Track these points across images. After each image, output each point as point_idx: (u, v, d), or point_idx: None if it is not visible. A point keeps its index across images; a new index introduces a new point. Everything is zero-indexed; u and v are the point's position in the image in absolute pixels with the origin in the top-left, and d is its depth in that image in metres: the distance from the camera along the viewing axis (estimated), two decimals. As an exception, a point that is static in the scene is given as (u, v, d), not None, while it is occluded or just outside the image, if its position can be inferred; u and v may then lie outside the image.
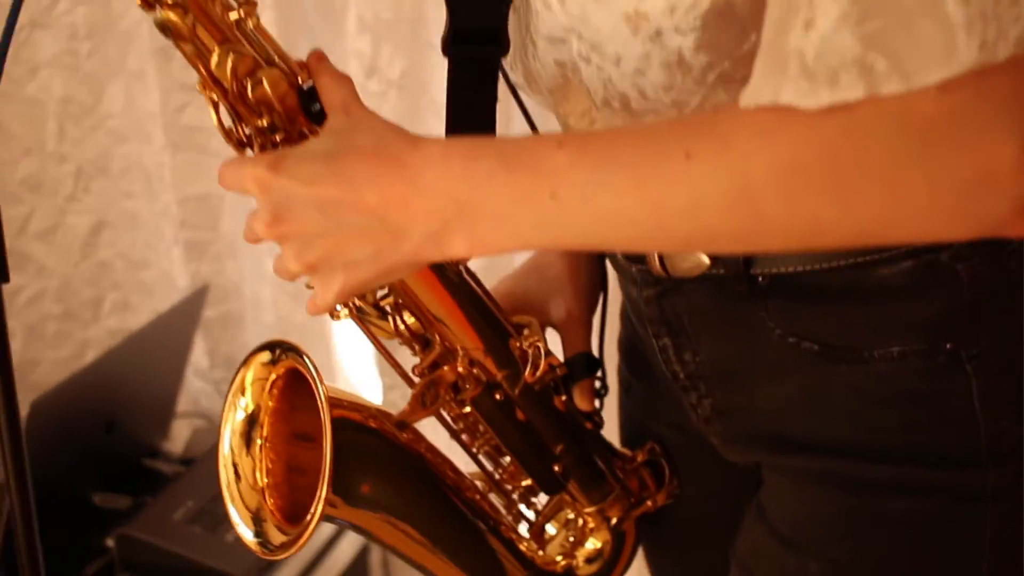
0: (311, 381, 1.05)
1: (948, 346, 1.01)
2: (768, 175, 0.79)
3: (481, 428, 1.19)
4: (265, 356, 1.11)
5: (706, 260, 1.07)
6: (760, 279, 1.05)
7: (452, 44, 1.06)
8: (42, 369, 2.62)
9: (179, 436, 2.61)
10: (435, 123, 2.36)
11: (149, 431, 2.51)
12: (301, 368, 1.08)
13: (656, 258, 1.10)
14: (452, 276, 1.10)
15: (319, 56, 0.99)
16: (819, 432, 1.09)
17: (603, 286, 1.32)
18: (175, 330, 2.51)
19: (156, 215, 2.65)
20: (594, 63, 0.97)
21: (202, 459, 2.39)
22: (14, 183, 2.57)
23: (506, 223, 0.88)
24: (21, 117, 2.56)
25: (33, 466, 1.18)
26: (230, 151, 2.50)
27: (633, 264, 1.14)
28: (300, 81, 0.98)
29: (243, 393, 1.11)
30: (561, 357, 1.23)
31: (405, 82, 2.41)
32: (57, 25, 2.50)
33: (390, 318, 1.11)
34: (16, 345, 2.56)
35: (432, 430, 1.17)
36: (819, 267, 1.02)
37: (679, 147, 0.81)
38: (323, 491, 1.02)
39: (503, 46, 1.05)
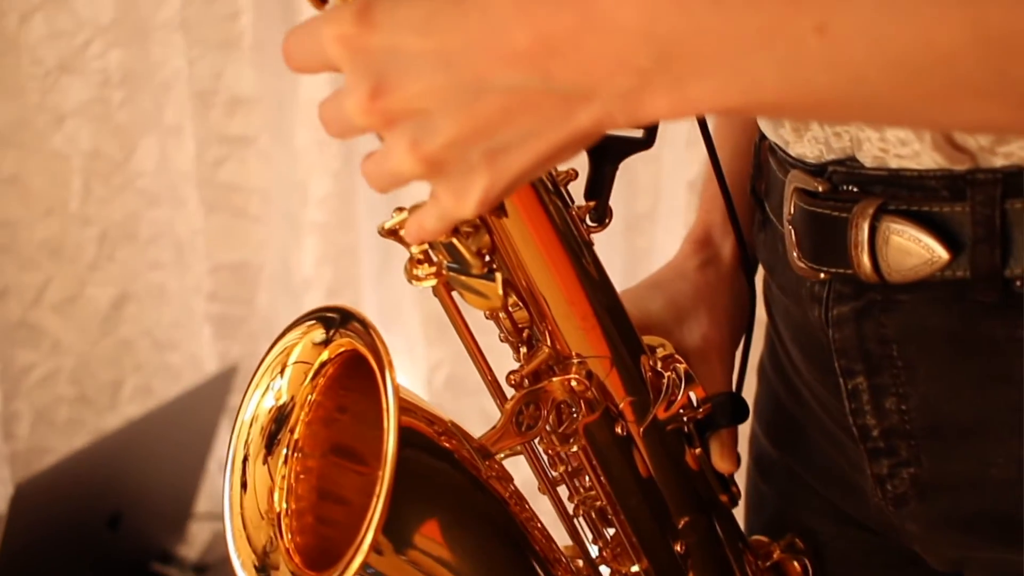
0: (377, 371, 0.79)
1: None
2: None
3: (586, 478, 0.93)
4: (319, 333, 0.86)
5: (943, 254, 0.79)
6: (1018, 284, 0.78)
7: None
8: (51, 459, 2.45)
9: (196, 539, 2.41)
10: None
11: (161, 531, 2.31)
12: (365, 352, 0.82)
13: (866, 254, 0.82)
14: (584, 256, 0.85)
15: None
16: None
17: (752, 308, 1.08)
18: (198, 415, 2.34)
19: (186, 290, 2.51)
20: None
21: (221, 568, 2.20)
22: (32, 246, 2.49)
23: (738, 71, 0.62)
24: (43, 172, 2.47)
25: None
26: (276, 213, 2.35)
27: (821, 267, 0.87)
28: None
29: (281, 373, 0.86)
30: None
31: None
32: (88, 70, 2.38)
33: (498, 277, 0.83)
34: (23, 429, 2.51)
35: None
36: None
37: None
38: (373, 526, 0.76)
39: None
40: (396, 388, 0.78)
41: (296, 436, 0.87)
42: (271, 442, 0.87)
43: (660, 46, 0.62)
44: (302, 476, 0.87)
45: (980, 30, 0.58)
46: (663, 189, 2.18)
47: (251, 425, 0.87)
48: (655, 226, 2.20)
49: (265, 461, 0.87)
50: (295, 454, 0.87)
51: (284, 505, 0.87)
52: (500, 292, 0.81)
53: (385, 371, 0.78)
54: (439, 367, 2.36)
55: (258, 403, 0.87)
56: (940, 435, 0.86)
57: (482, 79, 0.64)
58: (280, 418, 0.87)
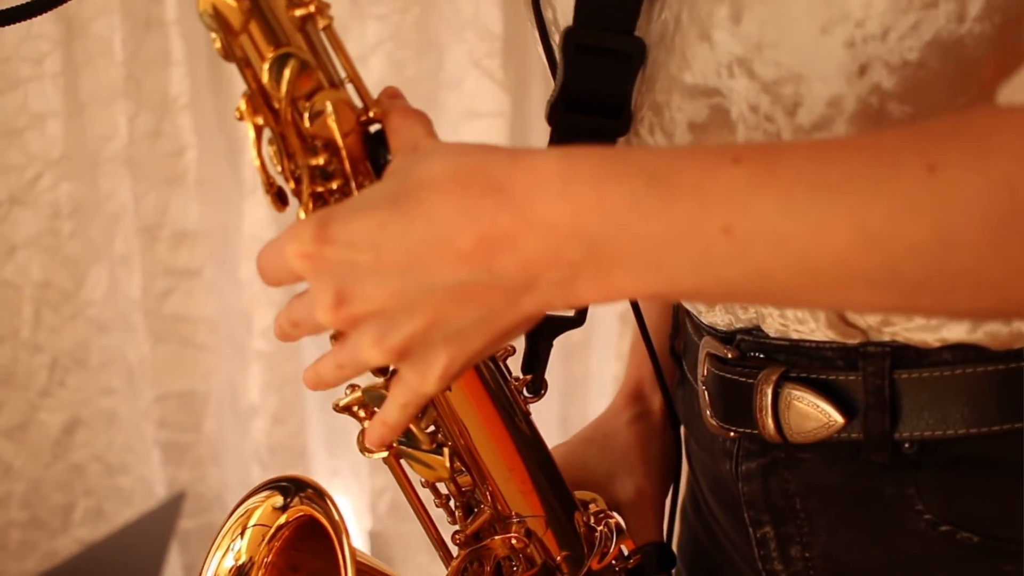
0: (334, 537, 0.82)
1: None
2: None
3: None
4: (277, 500, 0.88)
5: (839, 419, 0.84)
6: (907, 446, 0.83)
7: (561, 111, 0.85)
8: (2, 584, 2.45)
9: (148, 662, 2.36)
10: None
11: (114, 654, 2.27)
12: (321, 519, 0.85)
13: (770, 417, 0.87)
14: (522, 425, 0.88)
15: (392, 92, 0.77)
16: None
17: (679, 462, 1.10)
18: (146, 542, 2.32)
19: (136, 414, 2.50)
20: (762, 112, 0.76)
21: None
22: (-17, 374, 2.45)
23: (656, 265, 0.65)
24: (-6, 301, 2.45)
25: None
26: (222, 343, 2.36)
27: (731, 428, 0.91)
28: (370, 116, 0.75)
29: (242, 535, 0.88)
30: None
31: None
32: (38, 203, 2.40)
33: (446, 452, 0.86)
34: (-27, 554, 2.44)
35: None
36: (988, 430, 0.81)
37: (918, 157, 0.60)
38: None
39: (623, 122, 0.84)
40: (353, 553, 0.81)
41: None
42: None
43: (587, 243, 0.64)
44: None
45: (865, 231, 0.61)
46: (596, 321, 2.25)
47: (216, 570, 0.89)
48: (590, 354, 2.25)
49: None
50: None
51: None
52: (447, 464, 0.84)
53: (342, 537, 0.81)
54: (383, 493, 2.37)
55: (219, 563, 0.89)
56: None
57: (433, 280, 0.67)
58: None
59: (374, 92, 1.88)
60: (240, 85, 2.02)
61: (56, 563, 2.29)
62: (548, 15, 0.89)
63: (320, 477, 2.34)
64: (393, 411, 0.76)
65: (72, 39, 2.31)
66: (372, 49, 2.19)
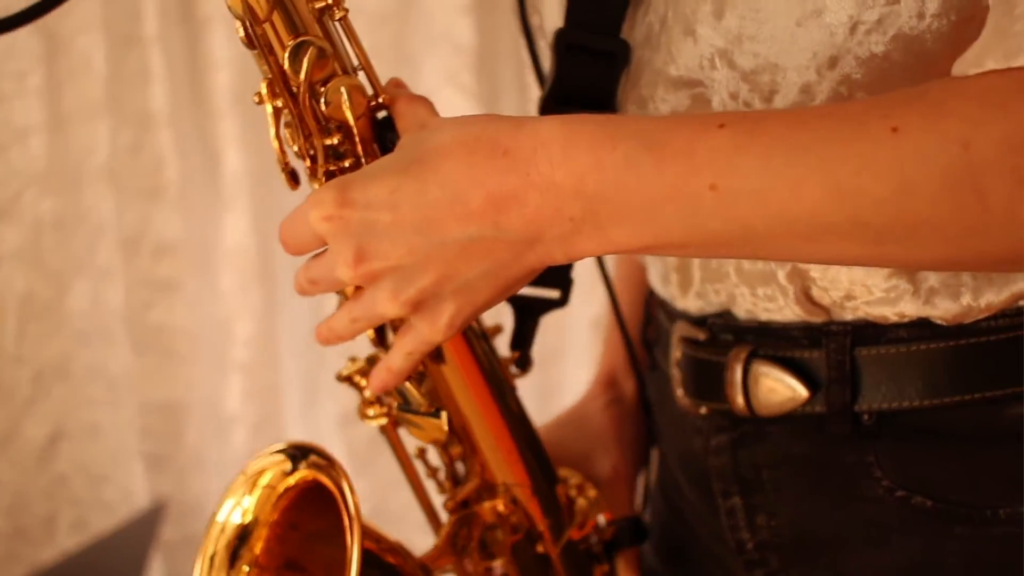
0: (340, 500, 0.87)
1: None
2: (997, 151, 0.65)
3: None
4: (287, 465, 0.92)
5: (803, 392, 0.90)
6: (866, 417, 0.89)
7: (552, 105, 0.92)
8: (-14, 593, 2.44)
9: (132, 670, 2.36)
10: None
11: (98, 662, 2.28)
12: (326, 481, 0.90)
13: (739, 393, 0.93)
14: (509, 398, 0.94)
15: (397, 82, 0.85)
16: None
17: (649, 442, 1.16)
18: (125, 553, 2.32)
19: (119, 425, 2.50)
20: (741, 99, 0.82)
21: None
22: (-34, 387, 2.45)
23: (649, 219, 0.72)
24: (-23, 315, 2.45)
25: None
26: (203, 353, 2.38)
27: (702, 403, 0.97)
28: (379, 101, 0.83)
29: (251, 491, 0.92)
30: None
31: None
32: (22, 217, 2.41)
33: (443, 415, 0.91)
34: (-42, 566, 2.42)
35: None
36: (940, 402, 0.87)
37: (882, 121, 0.67)
38: None
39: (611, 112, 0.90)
40: (358, 513, 0.86)
41: (256, 552, 0.93)
42: (233, 558, 0.93)
43: (587, 200, 0.72)
44: None
45: (835, 186, 0.68)
46: (571, 329, 2.28)
47: (221, 531, 0.93)
48: (565, 360, 2.30)
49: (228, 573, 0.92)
50: (254, 568, 0.93)
51: None
52: (444, 427, 0.89)
53: (348, 501, 0.86)
54: (365, 500, 2.37)
55: (229, 512, 0.93)
56: (805, 547, 0.95)
57: (445, 236, 0.73)
58: (244, 535, 0.92)
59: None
60: (218, 100, 2.07)
61: (40, 573, 2.29)
62: (535, 21, 0.96)
63: (300, 484, 2.38)
64: (398, 358, 0.82)
65: (55, 55, 2.33)
66: (349, 64, 2.24)
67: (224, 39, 2.28)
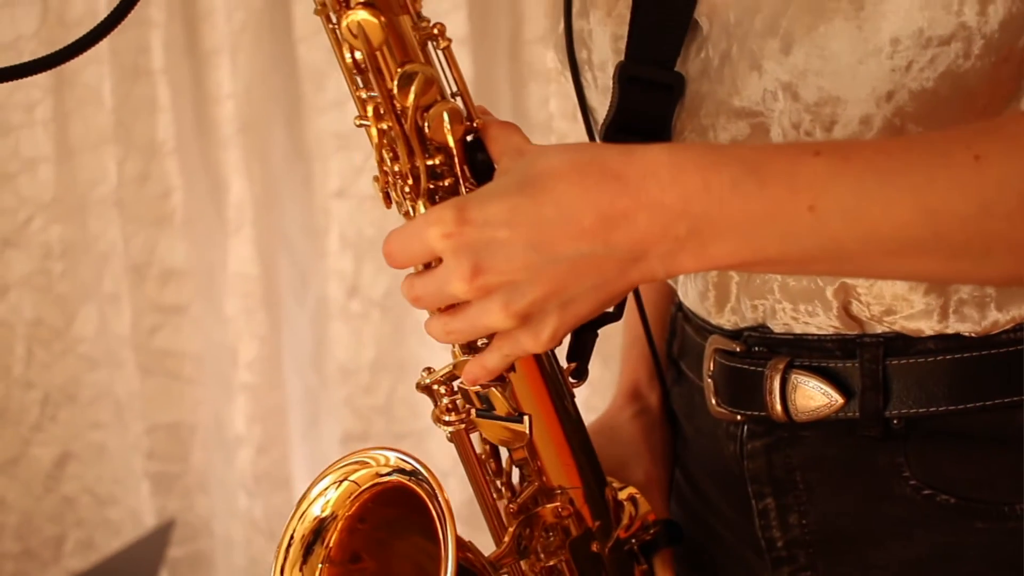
0: (436, 518, 0.91)
1: None
2: None
3: None
4: (384, 468, 0.97)
5: (839, 399, 0.97)
6: (896, 422, 0.97)
7: (614, 132, 0.98)
8: (-6, 614, 2.49)
9: None
10: (418, 347, 2.30)
11: None
12: (423, 495, 0.93)
13: (778, 400, 1.00)
14: (568, 406, 0.99)
15: (484, 109, 0.90)
16: None
17: (675, 449, 1.22)
18: (136, 570, 2.36)
19: (125, 447, 2.56)
20: (802, 128, 0.90)
21: None
22: (-25, 410, 2.50)
23: (750, 239, 0.79)
24: (-12, 340, 2.51)
25: None
26: (208, 376, 2.42)
27: (739, 411, 1.04)
28: (473, 125, 0.88)
29: (338, 485, 0.97)
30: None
31: (389, 303, 2.39)
32: (30, 244, 2.48)
33: (526, 419, 0.97)
34: (-33, 586, 2.46)
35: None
36: (963, 407, 0.94)
37: (966, 150, 0.76)
38: None
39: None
40: (455, 534, 0.89)
41: (330, 547, 0.97)
42: (308, 552, 0.97)
43: (692, 221, 0.78)
44: None
45: (924, 206, 0.76)
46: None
47: (303, 513, 0.97)
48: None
49: (301, 569, 0.97)
50: (326, 564, 0.97)
51: None
52: (527, 432, 0.95)
53: (445, 520, 0.89)
54: None
55: (316, 497, 0.97)
56: (833, 544, 1.02)
57: (557, 253, 0.78)
58: (319, 530, 0.97)
59: (356, 134, 2.02)
60: (223, 130, 2.12)
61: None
62: (583, 55, 1.03)
63: (303, 503, 2.44)
64: (495, 358, 0.88)
65: (62, 87, 2.41)
66: (347, 95, 2.30)
67: (228, 71, 2.36)
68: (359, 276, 2.37)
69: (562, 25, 1.05)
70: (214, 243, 2.44)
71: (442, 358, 2.34)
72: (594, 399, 1.71)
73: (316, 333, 2.46)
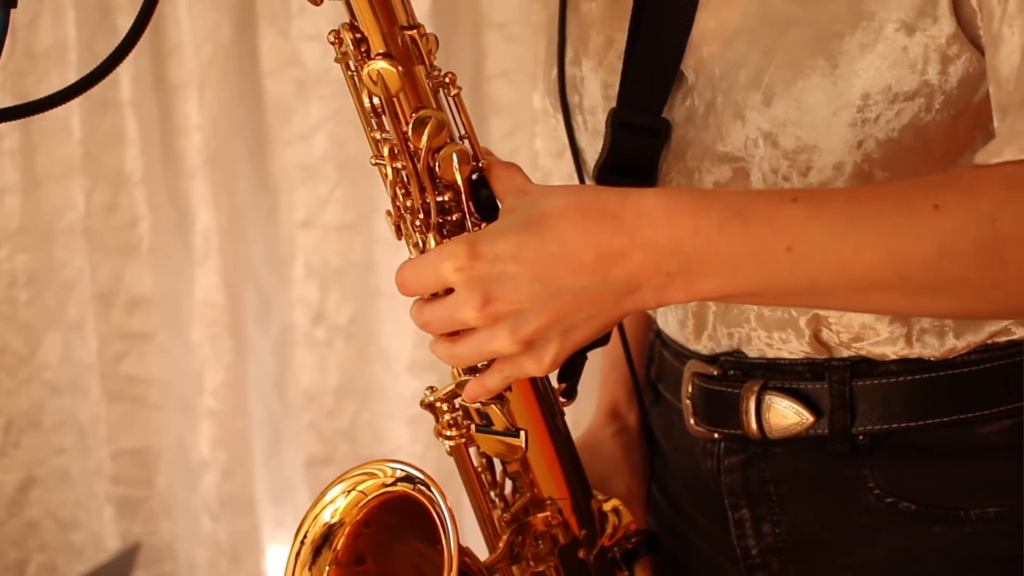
0: (439, 525, 0.98)
1: None
2: (1017, 225, 0.82)
3: None
4: (389, 479, 1.03)
5: (809, 417, 1.06)
6: (861, 437, 1.05)
7: (606, 174, 1.06)
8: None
9: None
10: (382, 373, 2.35)
11: None
12: (426, 503, 1.00)
13: (753, 419, 1.08)
14: (559, 423, 1.07)
15: (487, 151, 0.98)
16: None
17: (652, 466, 1.31)
18: None
19: (88, 472, 2.58)
20: (780, 173, 0.99)
21: None
22: (-61, 439, 2.51)
23: (734, 275, 0.88)
24: (-48, 368, 2.52)
25: None
26: (174, 402, 2.44)
27: (716, 430, 1.12)
28: (479, 165, 0.96)
29: (347, 493, 1.03)
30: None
31: (353, 329, 2.43)
32: None
33: (522, 434, 1.04)
34: (-70, 612, 2.46)
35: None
36: (923, 423, 1.03)
37: (926, 200, 0.84)
38: None
39: (649, 184, 1.06)
40: (458, 543, 0.96)
41: (337, 550, 1.03)
42: (317, 554, 1.03)
43: (683, 259, 0.86)
44: None
45: (889, 249, 0.84)
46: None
47: (315, 518, 1.03)
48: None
49: (309, 569, 1.03)
50: (333, 565, 1.03)
51: None
52: (523, 445, 1.02)
53: (447, 523, 0.96)
54: None
55: (328, 504, 1.03)
56: (804, 549, 1.11)
57: (560, 285, 0.87)
58: (328, 534, 1.03)
59: (321, 166, 2.11)
60: (189, 161, 2.16)
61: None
62: (574, 100, 1.11)
63: (265, 527, 2.48)
64: (495, 379, 0.96)
65: (30, 119, 2.41)
66: (315, 128, 2.36)
67: (195, 104, 2.40)
68: (324, 304, 2.42)
69: (555, 71, 1.13)
70: (181, 272, 2.47)
71: (405, 384, 2.42)
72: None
73: (281, 360, 2.51)
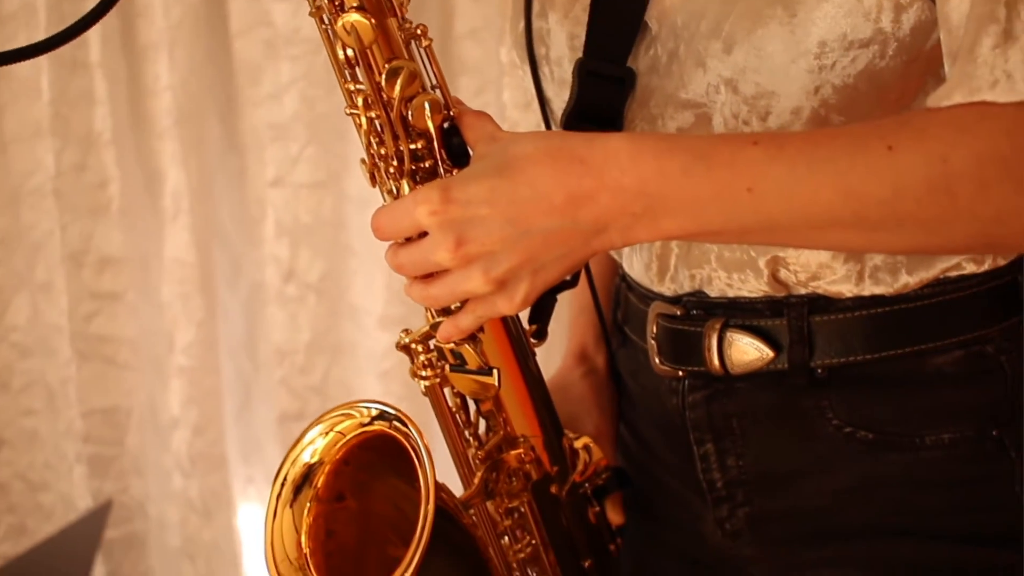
0: (415, 459, 1.01)
1: (995, 432, 1.07)
2: (966, 164, 0.86)
3: (519, 533, 1.17)
4: (366, 419, 1.07)
5: (769, 353, 1.09)
6: (819, 371, 1.09)
7: (574, 121, 1.10)
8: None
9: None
10: (353, 329, 2.37)
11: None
12: (398, 437, 1.04)
13: (715, 356, 1.12)
14: (531, 364, 1.10)
15: (458, 100, 1.01)
16: (870, 520, 1.12)
17: (619, 406, 1.34)
18: (73, 551, 2.34)
19: (57, 434, 2.58)
20: (740, 118, 1.02)
21: None
22: (-93, 399, 2.51)
23: (697, 215, 0.92)
24: (-82, 331, 2.52)
25: None
26: (144, 361, 2.45)
27: (680, 367, 1.15)
28: (450, 114, 0.99)
29: (326, 434, 1.07)
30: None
31: (324, 286, 2.44)
32: None
33: (495, 372, 1.07)
34: (-99, 571, 2.44)
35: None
36: (878, 355, 1.07)
37: (880, 141, 0.88)
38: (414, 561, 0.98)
39: (615, 130, 1.09)
40: (433, 476, 1.00)
41: (317, 487, 1.07)
42: (297, 492, 1.07)
43: (648, 200, 0.91)
44: (319, 520, 1.08)
45: (846, 189, 0.89)
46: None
47: (295, 460, 1.07)
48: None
49: (291, 506, 1.07)
50: (313, 502, 1.07)
51: (307, 548, 1.06)
52: (496, 383, 1.05)
53: (423, 457, 1.00)
54: None
55: (307, 445, 1.07)
56: (766, 480, 1.15)
57: (531, 226, 0.91)
58: (308, 474, 1.07)
59: (291, 125, 2.13)
60: (159, 122, 2.16)
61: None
62: (540, 51, 1.14)
63: (236, 484, 2.50)
64: (469, 318, 1.00)
65: (-1, 79, 2.43)
66: (285, 88, 2.36)
67: (164, 65, 2.40)
68: (295, 261, 2.43)
69: (522, 24, 1.16)
70: (150, 231, 2.48)
71: (376, 339, 2.43)
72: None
73: (251, 317, 2.53)
